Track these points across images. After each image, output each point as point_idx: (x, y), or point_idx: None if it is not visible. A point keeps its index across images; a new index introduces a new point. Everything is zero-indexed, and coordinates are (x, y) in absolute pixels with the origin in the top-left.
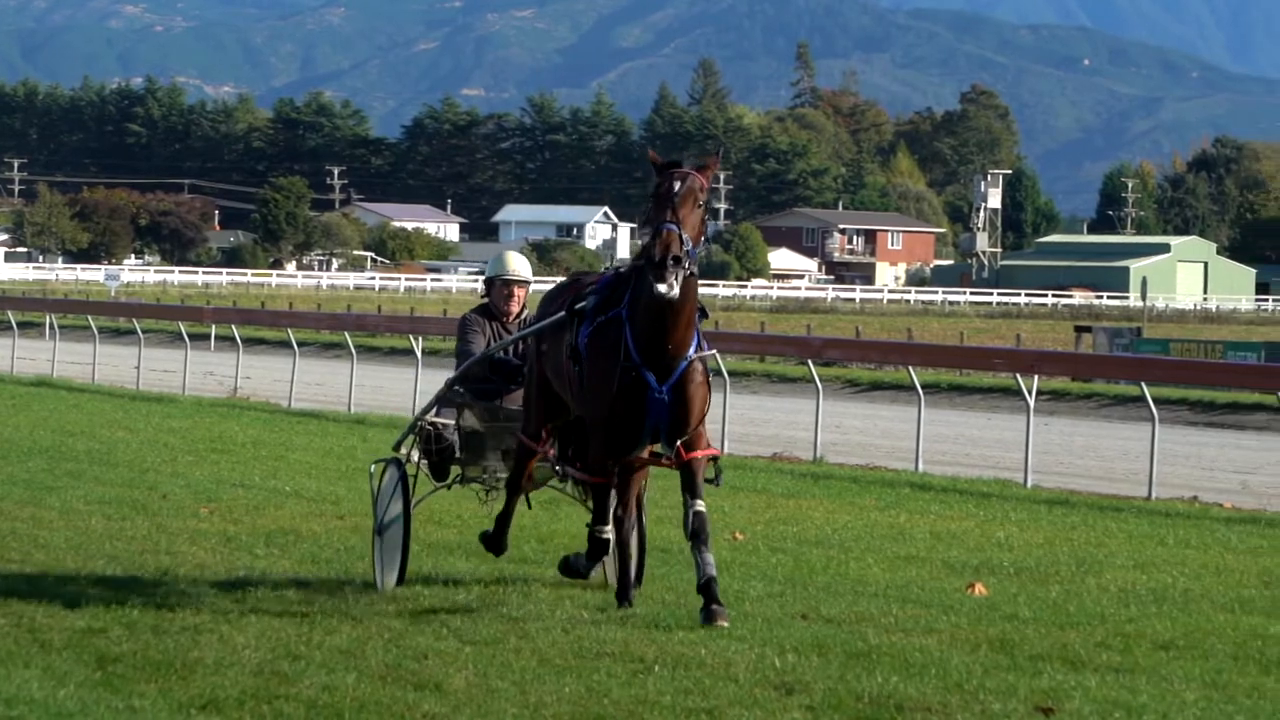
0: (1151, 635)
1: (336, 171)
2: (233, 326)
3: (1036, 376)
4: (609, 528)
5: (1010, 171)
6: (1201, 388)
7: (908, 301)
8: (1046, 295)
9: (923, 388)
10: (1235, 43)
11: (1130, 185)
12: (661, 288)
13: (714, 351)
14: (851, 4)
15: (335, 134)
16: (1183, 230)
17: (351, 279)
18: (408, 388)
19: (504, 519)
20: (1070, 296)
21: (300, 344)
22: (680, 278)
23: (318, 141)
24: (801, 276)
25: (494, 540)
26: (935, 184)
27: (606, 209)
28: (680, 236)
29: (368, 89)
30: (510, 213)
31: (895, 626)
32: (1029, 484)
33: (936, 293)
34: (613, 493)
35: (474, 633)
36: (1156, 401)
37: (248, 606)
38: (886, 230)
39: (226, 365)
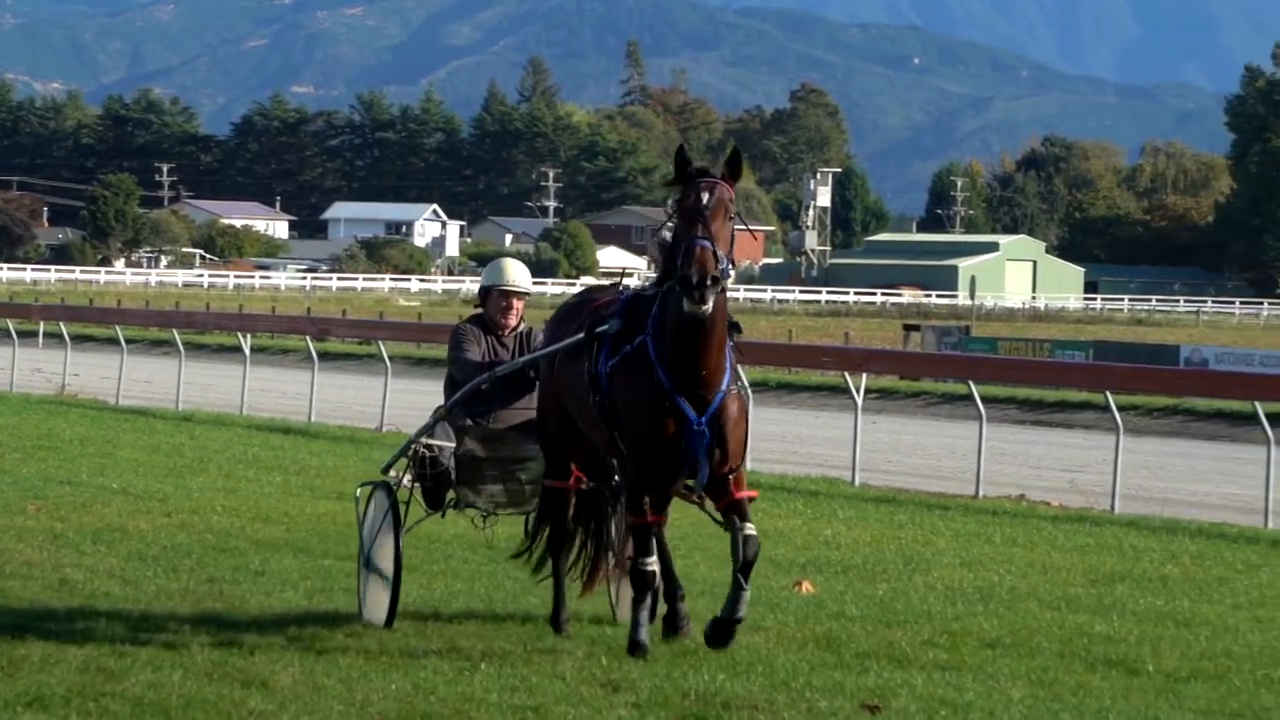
0: (978, 633)
1: (165, 169)
2: (60, 323)
3: (865, 375)
4: (653, 559)
5: (840, 170)
6: (1029, 386)
7: (736, 299)
8: (875, 294)
9: (751, 386)
10: (1064, 42)
11: (959, 184)
12: (701, 309)
13: (745, 383)
14: (681, 2)
15: (164, 131)
16: (1011, 229)
17: (180, 276)
18: (236, 385)
19: (558, 594)
20: (899, 295)
21: (128, 341)
22: (715, 296)
23: (147, 138)
24: (631, 274)
25: (555, 620)
26: (764, 182)
27: (435, 207)
28: (715, 254)
29: (197, 86)
30: (339, 210)
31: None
32: (856, 482)
33: (765, 291)
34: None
35: (301, 630)
36: (984, 400)
37: (74, 604)
38: None
39: (54, 362)
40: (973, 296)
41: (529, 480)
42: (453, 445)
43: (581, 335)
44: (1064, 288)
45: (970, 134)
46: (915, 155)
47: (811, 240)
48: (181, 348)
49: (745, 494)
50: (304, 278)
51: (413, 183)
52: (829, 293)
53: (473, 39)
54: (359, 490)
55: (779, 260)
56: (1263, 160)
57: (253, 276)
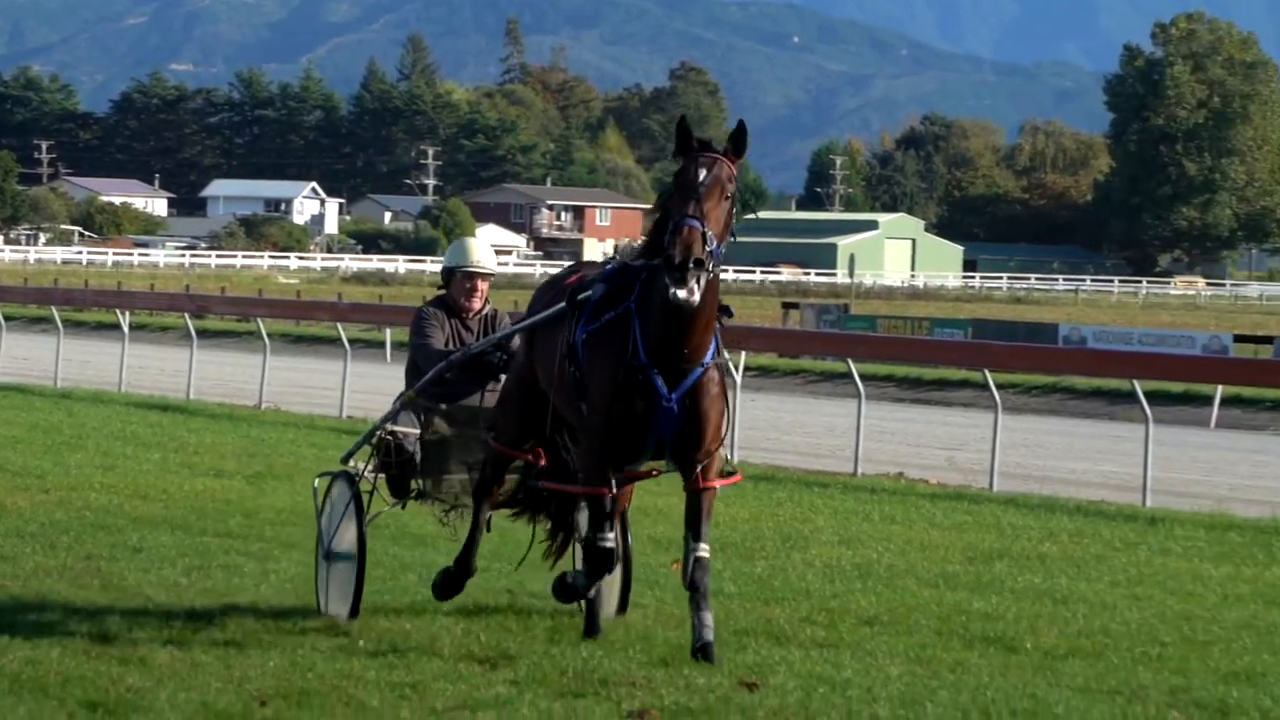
0: (856, 610)
1: (44, 145)
2: None
3: (744, 352)
4: (613, 535)
5: None
6: (908, 364)
7: None
8: (754, 272)
9: None
10: (944, 21)
11: (839, 162)
12: (681, 293)
13: (728, 358)
14: None
15: (43, 108)
16: (891, 207)
17: (59, 253)
18: (114, 362)
19: (471, 541)
20: (778, 273)
21: (6, 318)
22: (702, 282)
23: (25, 115)
24: (510, 252)
25: (456, 578)
26: (644, 160)
27: (314, 184)
28: (703, 235)
29: (76, 63)
30: (218, 188)
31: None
32: (735, 460)
33: None
34: (610, 498)
35: (179, 607)
36: (863, 378)
37: None
38: (595, 206)
39: None
40: (851, 275)
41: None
42: (417, 432)
43: (562, 304)
44: (943, 266)
45: (850, 112)
46: (794, 133)
47: None
48: (60, 325)
49: (713, 484)
50: (183, 255)
51: (292, 160)
52: None
53: (352, 16)
54: (317, 481)
55: None
56: (1141, 139)
57: (131, 254)
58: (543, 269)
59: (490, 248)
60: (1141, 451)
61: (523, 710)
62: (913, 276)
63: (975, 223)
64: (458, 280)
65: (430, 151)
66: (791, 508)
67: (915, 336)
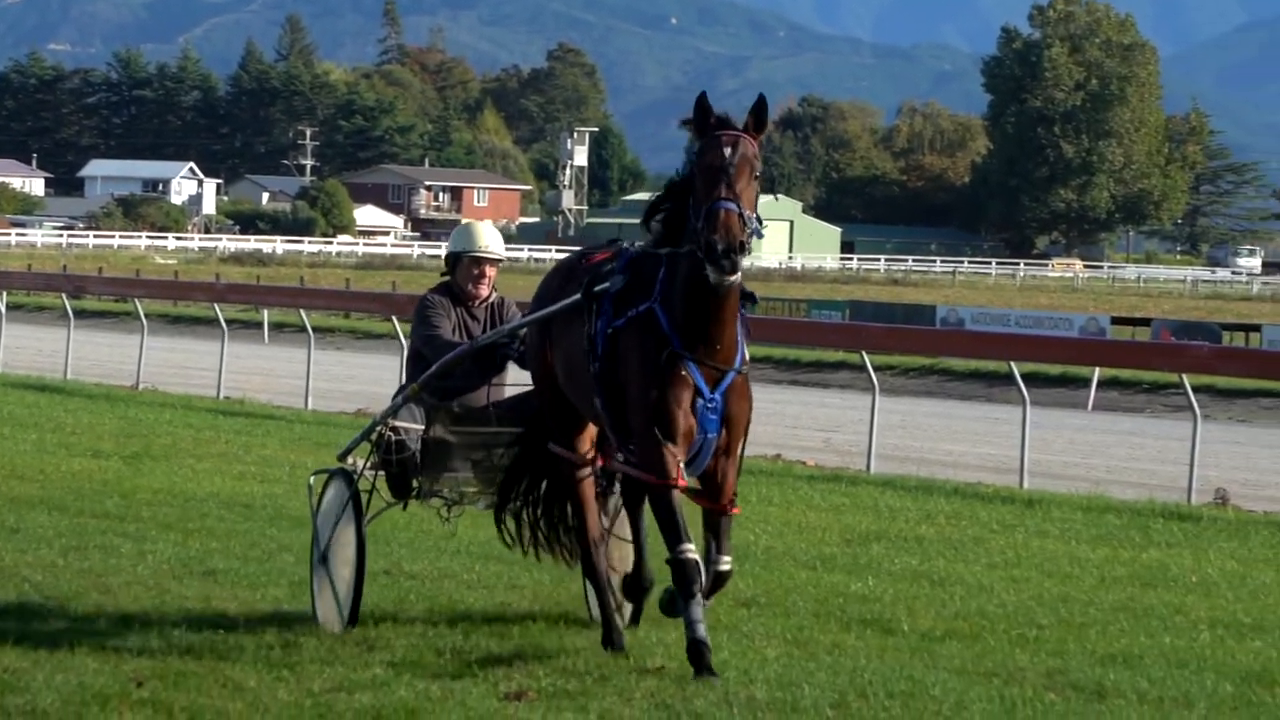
0: (734, 592)
1: None
2: None
3: None
4: (690, 545)
5: (597, 129)
6: (786, 346)
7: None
8: None
9: None
10: (822, 2)
11: None
12: (727, 280)
13: (749, 363)
14: None
15: None
16: (768, 189)
17: None
18: None
19: (597, 583)
20: None
21: None
22: (742, 265)
23: None
24: (387, 233)
25: (611, 631)
26: (522, 141)
27: (192, 164)
28: (741, 216)
29: None
30: (96, 168)
31: (478, 583)
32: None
33: (522, 250)
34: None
35: (55, 588)
36: None
37: None
38: (472, 187)
39: None
40: None
41: (502, 465)
42: (420, 428)
43: (578, 296)
44: (821, 248)
45: (728, 94)
46: (673, 115)
47: (568, 199)
48: None
49: (733, 509)
50: (60, 235)
51: (169, 140)
52: None
53: None
54: (312, 479)
55: (536, 219)
56: (1019, 121)
57: (9, 234)
58: (420, 249)
59: (498, 232)
60: (1019, 433)
61: (399, 692)
62: (790, 258)
63: (853, 204)
64: (464, 266)
65: (308, 132)
66: None
67: (792, 318)
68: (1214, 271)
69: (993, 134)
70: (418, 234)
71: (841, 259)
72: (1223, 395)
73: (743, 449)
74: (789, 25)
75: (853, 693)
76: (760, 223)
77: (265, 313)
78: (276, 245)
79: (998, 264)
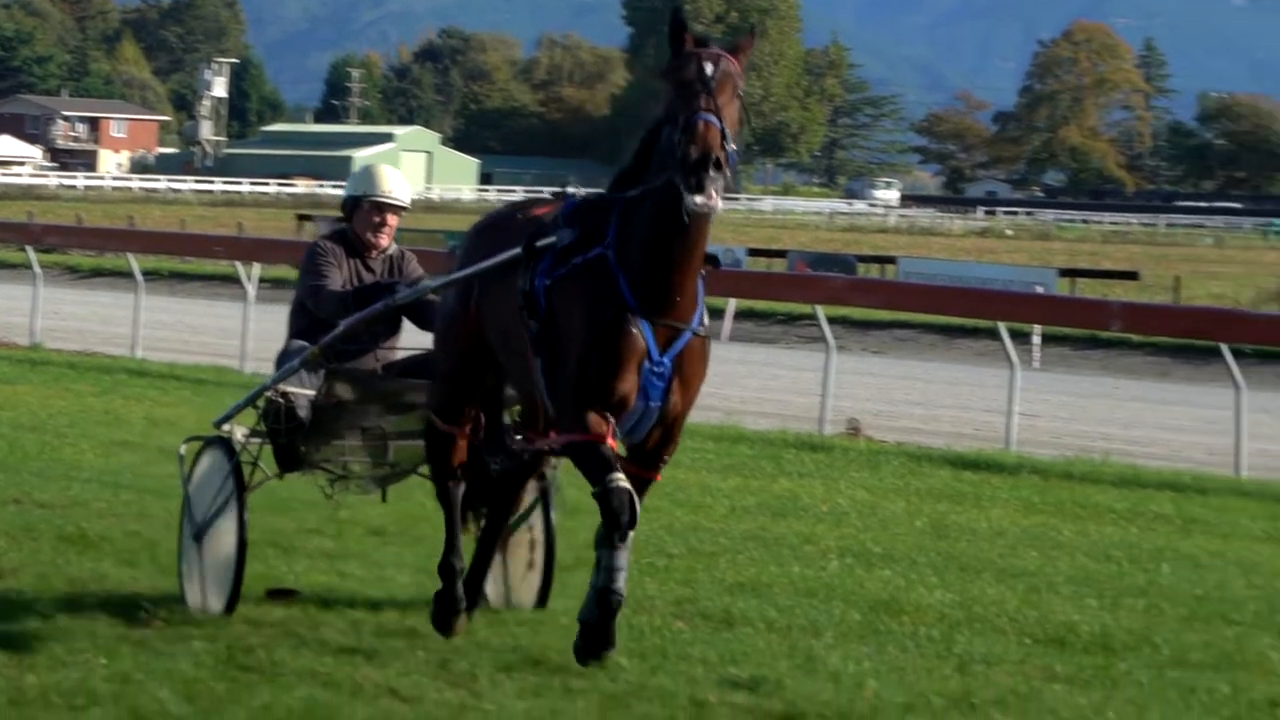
0: (364, 521)
1: None
2: None
3: (257, 264)
4: (620, 475)
5: (237, 61)
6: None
7: (131, 189)
8: (270, 184)
9: (143, 275)
10: None
11: (356, 75)
12: (699, 199)
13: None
14: None
15: None
16: (407, 120)
17: None
18: None
19: (451, 545)
20: (294, 185)
21: None
22: (721, 188)
23: None
24: (24, 164)
25: (447, 601)
26: (161, 73)
27: None
28: (722, 131)
29: None
30: None
31: (108, 511)
32: (248, 371)
33: (160, 180)
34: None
35: None
36: None
37: None
38: (111, 118)
39: None
40: None
41: (395, 434)
42: (312, 393)
43: (518, 250)
44: (459, 179)
45: (368, 25)
46: (312, 46)
47: (207, 130)
48: None
49: (656, 475)
50: None
51: None
52: (224, 182)
53: None
54: (184, 447)
55: (174, 150)
56: (659, 54)
57: None
58: (58, 180)
59: (403, 176)
60: None
61: (30, 622)
62: (428, 189)
63: (491, 136)
64: (364, 212)
65: None
66: None
67: (430, 249)
68: (851, 204)
69: (633, 66)
70: (55, 164)
71: (479, 190)
72: (857, 326)
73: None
74: None
75: (482, 621)
76: (738, 153)
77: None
78: None
79: None
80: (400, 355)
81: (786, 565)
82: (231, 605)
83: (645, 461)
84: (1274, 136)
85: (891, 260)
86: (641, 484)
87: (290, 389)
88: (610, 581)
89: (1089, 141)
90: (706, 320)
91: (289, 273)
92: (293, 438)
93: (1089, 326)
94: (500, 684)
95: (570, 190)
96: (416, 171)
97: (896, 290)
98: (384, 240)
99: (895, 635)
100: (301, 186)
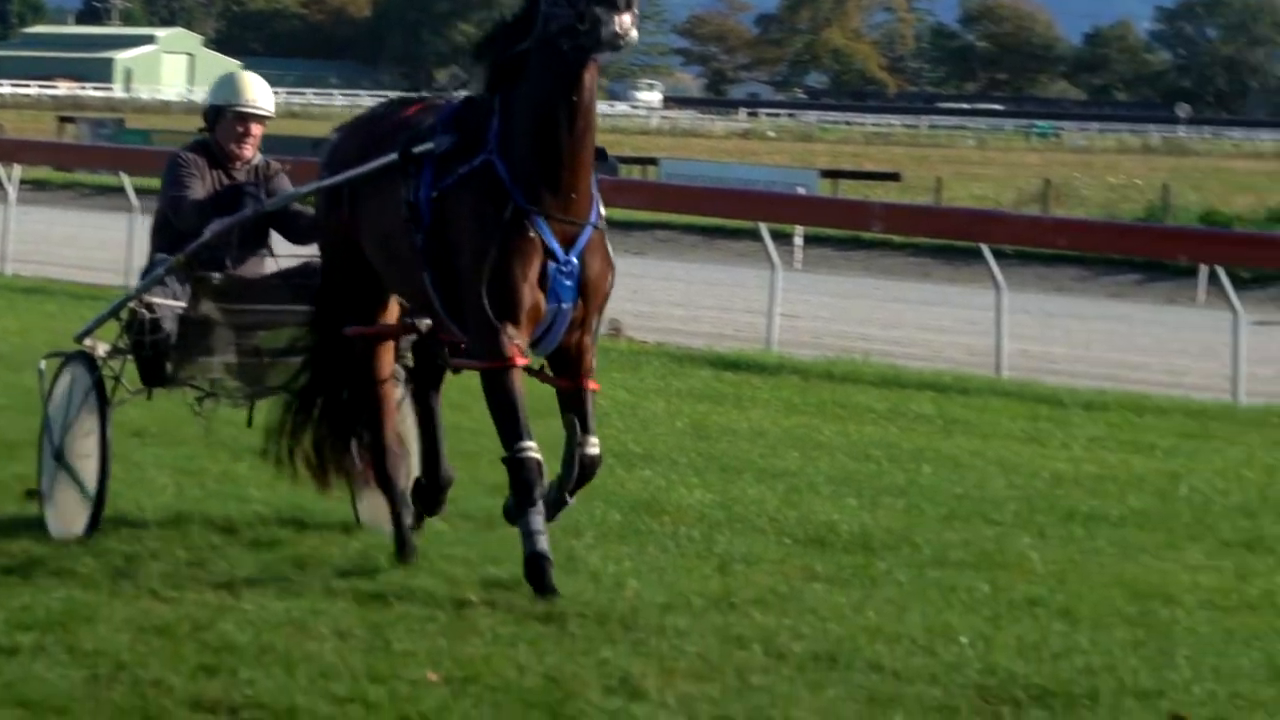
0: (124, 424)
1: None
2: None
3: (18, 165)
4: (532, 443)
5: None
6: None
7: None
8: (30, 86)
9: None
10: None
11: None
12: (615, 24)
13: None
14: None
15: None
16: (169, 22)
17: None
18: None
19: (392, 496)
20: (54, 87)
21: None
22: (635, 18)
23: None
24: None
25: (405, 544)
26: None
27: None
28: None
29: None
30: None
31: None
32: (9, 272)
33: None
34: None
35: None
36: (137, 191)
37: None
38: None
39: None
40: (128, 89)
41: (269, 350)
42: (181, 305)
43: (393, 156)
44: None
45: None
46: None
47: None
48: None
49: (593, 384)
50: None
51: None
52: None
53: None
54: (44, 362)
55: None
56: None
57: None
58: None
59: (266, 85)
60: None
61: None
62: (190, 91)
63: (254, 38)
64: (227, 121)
65: None
66: (63, 320)
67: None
68: (613, 105)
69: None
70: None
71: None
72: (620, 227)
73: (599, 321)
74: None
75: (240, 521)
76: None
77: None
78: None
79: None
80: (270, 268)
81: (547, 465)
82: (92, 527)
83: (573, 371)
84: (1035, 39)
85: (653, 161)
86: (581, 398)
87: (156, 300)
88: (534, 546)
89: (851, 44)
90: (604, 212)
91: (52, 174)
92: (159, 351)
93: (850, 227)
94: (260, 584)
95: (442, 92)
96: (178, 73)
97: (658, 191)
98: (248, 151)
99: (656, 535)
100: (63, 89)
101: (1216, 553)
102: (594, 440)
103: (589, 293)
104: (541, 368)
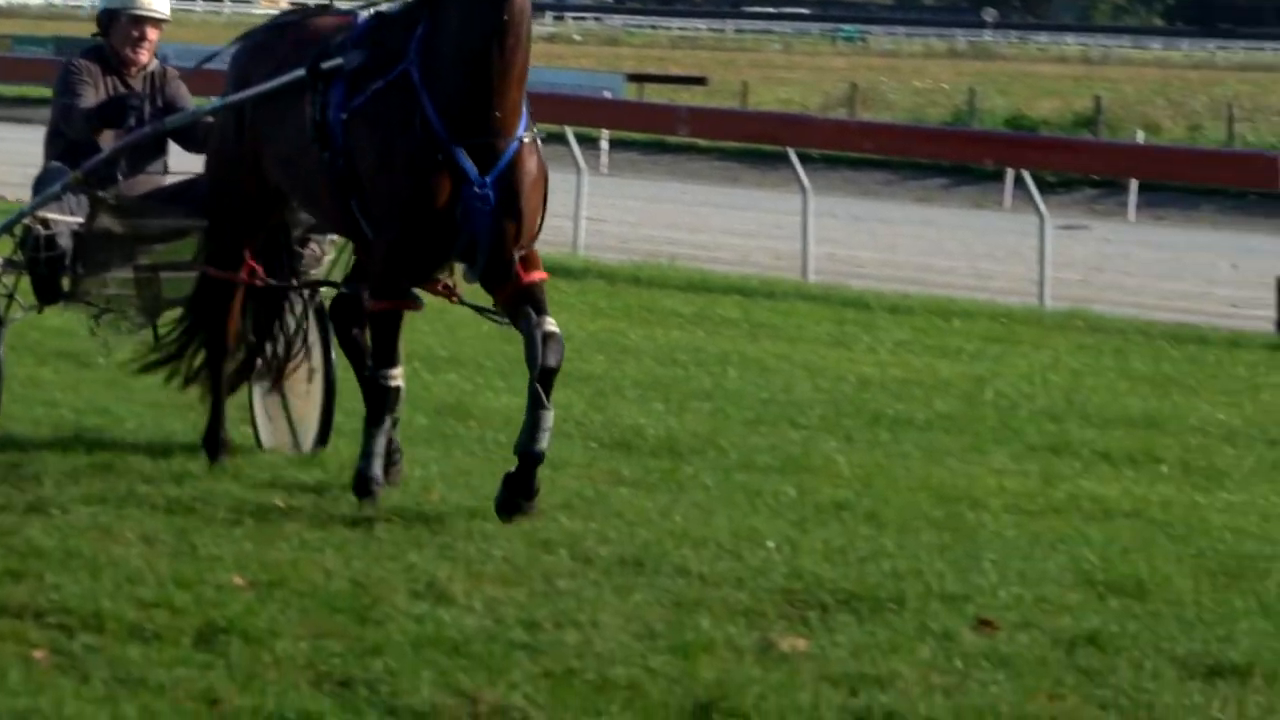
0: None
1: None
2: None
3: None
4: (398, 371)
5: None
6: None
7: None
8: None
9: None
10: None
11: None
12: None
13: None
14: None
15: None
16: None
17: None
18: None
19: (216, 411)
20: None
21: None
22: None
23: None
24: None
25: (212, 442)
26: None
27: None
28: None
29: None
30: None
31: None
32: None
33: None
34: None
35: None
36: None
37: None
38: None
39: None
40: None
41: (166, 265)
42: (78, 221)
43: (301, 72)
44: None
45: None
46: None
47: None
48: None
49: (536, 276)
50: None
51: None
52: None
53: None
54: None
55: None
56: None
57: None
58: None
59: None
60: None
61: None
62: None
63: None
64: (121, 26)
65: None
66: None
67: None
68: None
69: None
70: None
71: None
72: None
73: (538, 233)
74: None
75: (47, 426)
76: None
77: None
78: None
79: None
80: (170, 180)
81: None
82: None
83: (499, 283)
84: None
85: None
86: (529, 289)
87: (51, 215)
88: (370, 468)
89: None
90: (534, 127)
91: None
92: (53, 268)
93: (657, 131)
94: (66, 488)
95: (352, 4)
96: None
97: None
98: (144, 56)
99: (462, 439)
100: None
101: (1022, 457)
102: (550, 320)
103: (515, 209)
104: (451, 290)
